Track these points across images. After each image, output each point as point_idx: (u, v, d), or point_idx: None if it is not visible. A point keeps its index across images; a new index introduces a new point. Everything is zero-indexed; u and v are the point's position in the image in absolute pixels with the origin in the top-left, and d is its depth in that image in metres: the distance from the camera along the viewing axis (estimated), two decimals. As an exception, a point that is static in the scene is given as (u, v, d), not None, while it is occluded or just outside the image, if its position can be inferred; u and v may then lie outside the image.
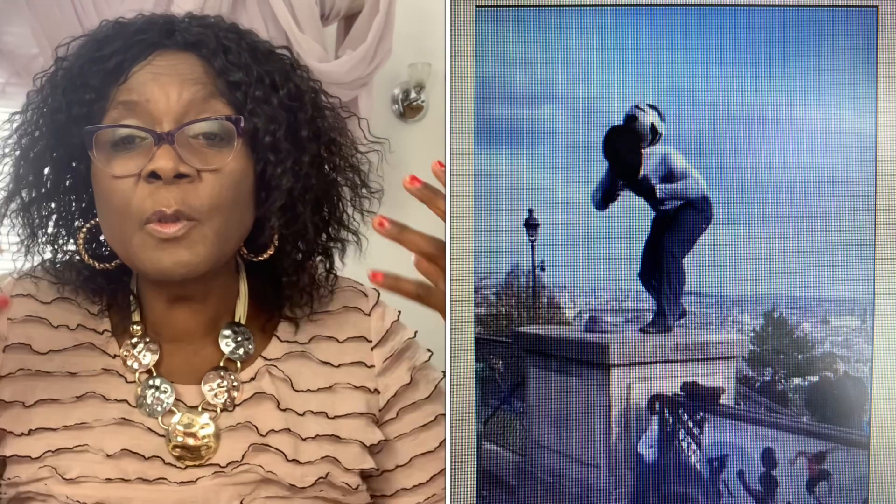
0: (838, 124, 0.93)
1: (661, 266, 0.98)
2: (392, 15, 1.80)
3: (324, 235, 0.91)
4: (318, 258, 0.92)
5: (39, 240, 0.87)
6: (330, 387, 0.88)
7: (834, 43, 0.92)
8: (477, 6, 0.98)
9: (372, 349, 0.91)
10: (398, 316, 0.95)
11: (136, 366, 0.85)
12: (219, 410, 0.84)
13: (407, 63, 2.01)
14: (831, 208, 0.94)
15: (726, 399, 0.98)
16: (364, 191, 0.93)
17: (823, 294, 0.95)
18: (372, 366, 0.90)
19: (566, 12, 0.97)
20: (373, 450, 0.90)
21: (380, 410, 0.90)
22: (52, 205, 0.86)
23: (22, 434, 0.80)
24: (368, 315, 0.92)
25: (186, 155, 0.78)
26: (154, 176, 0.77)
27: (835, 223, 0.94)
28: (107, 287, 0.88)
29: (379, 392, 0.90)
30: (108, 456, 0.80)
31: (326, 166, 0.89)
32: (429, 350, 0.96)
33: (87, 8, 1.54)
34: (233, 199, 0.81)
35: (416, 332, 0.95)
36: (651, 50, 0.96)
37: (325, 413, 0.86)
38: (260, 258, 0.87)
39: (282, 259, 0.88)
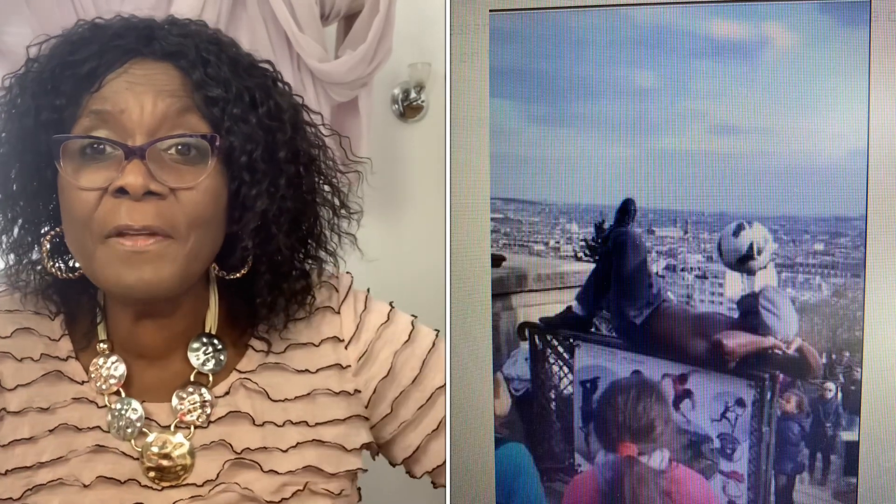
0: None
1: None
2: (392, 15, 1.80)
3: (300, 254, 0.87)
4: (295, 273, 0.86)
5: (3, 245, 0.82)
6: (309, 394, 0.85)
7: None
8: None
9: (346, 347, 0.87)
10: (366, 302, 0.90)
11: (104, 386, 0.81)
12: (192, 428, 0.81)
13: (407, 63, 2.00)
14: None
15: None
16: (343, 211, 0.89)
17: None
18: (348, 366, 0.87)
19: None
20: (370, 448, 0.89)
21: (366, 408, 0.87)
22: (18, 209, 0.81)
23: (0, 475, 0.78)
24: (338, 312, 0.88)
25: (158, 171, 0.73)
26: (122, 192, 0.73)
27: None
28: (71, 298, 0.84)
29: (360, 391, 0.87)
30: (84, 486, 0.78)
31: (304, 186, 0.85)
32: (413, 315, 0.92)
33: (87, 8, 1.54)
34: (210, 216, 0.77)
35: (391, 305, 0.91)
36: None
37: (306, 422, 0.83)
38: (232, 276, 0.83)
39: (255, 280, 0.84)
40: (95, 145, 0.74)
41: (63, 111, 0.76)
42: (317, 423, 0.84)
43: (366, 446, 0.88)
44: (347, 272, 0.91)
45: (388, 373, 0.88)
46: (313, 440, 0.83)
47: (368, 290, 0.92)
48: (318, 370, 0.86)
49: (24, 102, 0.77)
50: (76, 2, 1.55)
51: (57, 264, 0.82)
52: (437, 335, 0.92)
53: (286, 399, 0.84)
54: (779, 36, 0.93)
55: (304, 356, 0.86)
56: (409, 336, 0.89)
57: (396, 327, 0.90)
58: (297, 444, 0.82)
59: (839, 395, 0.94)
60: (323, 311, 0.88)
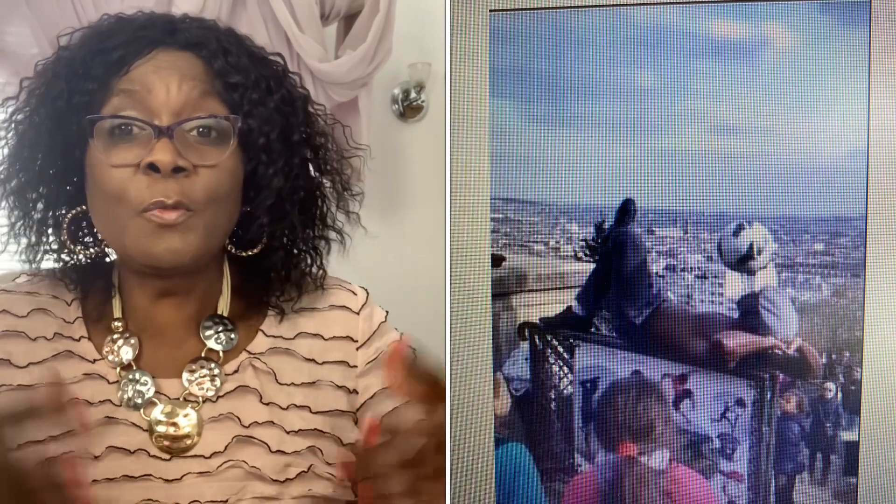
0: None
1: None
2: (392, 15, 1.80)
3: (310, 232, 0.92)
4: (307, 253, 0.92)
5: (27, 223, 0.87)
6: (313, 382, 0.88)
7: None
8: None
9: (357, 349, 0.91)
10: (386, 317, 0.95)
11: (116, 360, 0.85)
12: (201, 401, 0.84)
13: (407, 63, 2.00)
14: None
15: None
16: (346, 193, 0.94)
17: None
18: (354, 366, 0.90)
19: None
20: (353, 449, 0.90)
21: (357, 410, 0.90)
22: (42, 189, 0.86)
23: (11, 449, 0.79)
24: (357, 314, 0.92)
25: (183, 150, 0.79)
26: (152, 168, 0.78)
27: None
28: (87, 277, 0.88)
29: (357, 392, 0.90)
30: (95, 458, 0.80)
31: (313, 169, 0.91)
32: (413, 349, 0.96)
33: (86, 7, 1.55)
34: (226, 193, 0.83)
35: (402, 335, 0.95)
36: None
37: (309, 408, 0.87)
38: (248, 253, 0.88)
39: (270, 255, 0.89)
40: (124, 126, 0.80)
41: (94, 94, 0.81)
42: (318, 412, 0.87)
43: (352, 448, 0.89)
44: (361, 286, 0.96)
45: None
46: (314, 429, 0.85)
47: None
48: (324, 362, 0.89)
49: (57, 86, 0.83)
50: (76, 2, 1.55)
51: (76, 244, 0.88)
52: None
53: (292, 384, 0.87)
54: (779, 36, 0.93)
55: (313, 346, 0.90)
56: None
57: None
58: (300, 429, 0.85)
59: (839, 395, 0.94)
60: (341, 309, 0.92)
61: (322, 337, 0.90)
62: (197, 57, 0.84)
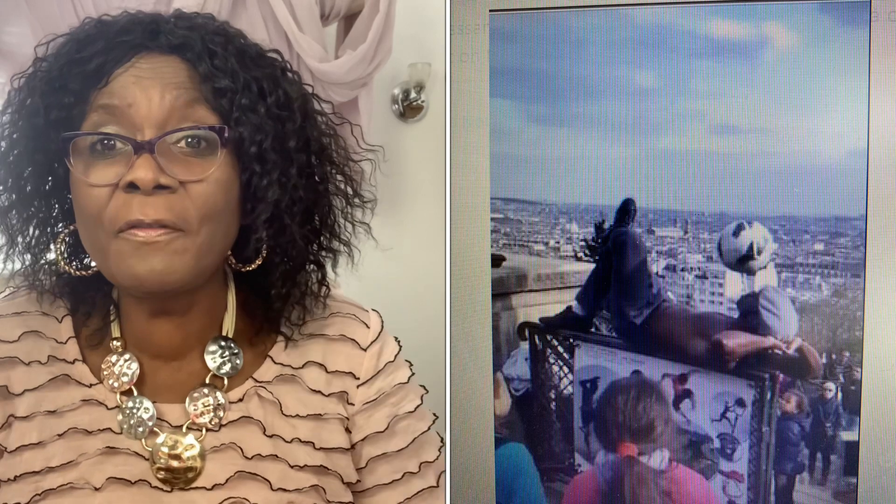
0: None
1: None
2: (392, 15, 1.80)
3: (314, 245, 0.86)
4: (311, 268, 0.86)
5: (18, 245, 0.82)
6: (319, 415, 0.84)
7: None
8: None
9: (357, 386, 0.86)
10: (396, 355, 0.90)
11: (116, 384, 0.80)
12: (204, 431, 0.80)
13: (407, 63, 2.00)
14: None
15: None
16: (356, 200, 0.88)
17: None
18: (352, 403, 0.86)
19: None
20: (349, 487, 0.87)
21: (351, 449, 0.86)
22: (32, 209, 0.81)
23: (9, 480, 0.77)
24: (364, 350, 0.87)
25: (167, 165, 0.73)
26: (132, 187, 0.72)
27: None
28: (86, 296, 0.83)
29: (350, 432, 0.86)
30: (95, 489, 0.76)
31: (316, 176, 0.84)
32: (422, 386, 0.92)
33: (86, 7, 1.54)
34: (221, 209, 0.76)
35: (412, 375, 0.91)
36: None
37: (313, 443, 0.82)
38: (248, 268, 0.83)
39: (270, 271, 0.83)
40: (105, 141, 0.74)
41: (72, 109, 0.76)
42: (322, 448, 0.83)
43: (351, 487, 0.86)
44: (375, 310, 0.91)
45: (385, 429, 0.87)
46: (320, 465, 0.83)
47: (398, 340, 0.92)
48: (330, 395, 0.85)
49: (34, 102, 0.77)
50: (76, 1, 1.55)
51: (72, 262, 0.82)
52: (434, 420, 0.91)
53: (297, 416, 0.83)
54: (779, 36, 0.93)
55: (319, 378, 0.85)
56: (416, 409, 0.89)
57: (408, 394, 0.90)
58: (305, 465, 0.81)
59: (839, 395, 0.94)
60: (350, 342, 0.88)
61: (326, 368, 0.86)
62: (182, 61, 0.77)
